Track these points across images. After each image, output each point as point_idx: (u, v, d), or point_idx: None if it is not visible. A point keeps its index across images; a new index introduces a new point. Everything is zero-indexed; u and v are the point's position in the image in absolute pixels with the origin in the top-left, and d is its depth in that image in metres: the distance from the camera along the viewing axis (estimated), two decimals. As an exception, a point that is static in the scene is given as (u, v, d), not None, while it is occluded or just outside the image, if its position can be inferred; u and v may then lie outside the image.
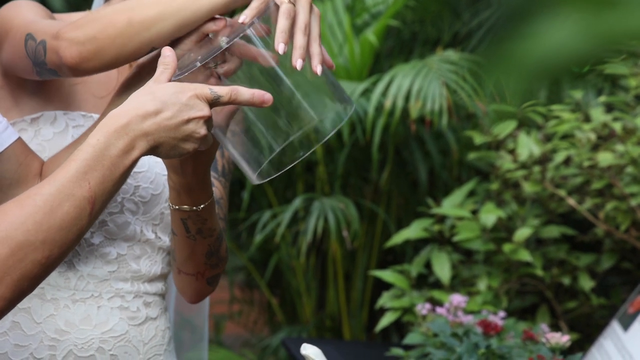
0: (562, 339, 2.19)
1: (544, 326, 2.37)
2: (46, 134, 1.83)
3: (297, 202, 3.49)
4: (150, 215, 1.88)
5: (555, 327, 2.98)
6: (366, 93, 3.33)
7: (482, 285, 2.88)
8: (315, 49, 1.60)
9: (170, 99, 1.46)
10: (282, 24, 1.59)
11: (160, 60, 1.55)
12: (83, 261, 1.86)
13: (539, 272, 2.85)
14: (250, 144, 1.59)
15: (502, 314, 2.42)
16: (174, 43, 1.70)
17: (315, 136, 1.76)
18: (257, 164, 1.59)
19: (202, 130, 1.47)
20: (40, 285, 1.80)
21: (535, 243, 3.07)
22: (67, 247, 1.40)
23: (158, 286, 1.92)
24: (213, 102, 1.49)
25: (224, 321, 4.69)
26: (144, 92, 1.47)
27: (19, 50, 1.79)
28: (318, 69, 1.58)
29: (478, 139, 3.02)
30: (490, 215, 2.89)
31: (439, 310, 2.44)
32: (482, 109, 3.22)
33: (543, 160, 2.96)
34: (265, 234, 3.55)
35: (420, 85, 3.18)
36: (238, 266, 4.32)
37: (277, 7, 1.61)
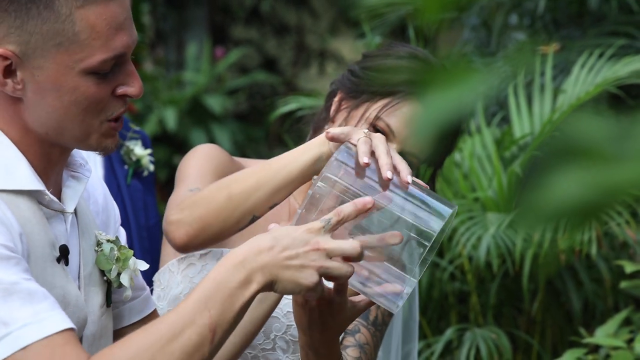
0: None
1: None
2: (212, 269, 1.93)
3: (449, 333, 3.52)
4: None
5: None
6: (513, 223, 3.37)
7: (639, 415, 2.84)
8: (401, 164, 1.66)
9: (283, 234, 1.54)
10: (362, 149, 1.66)
11: None
12: None
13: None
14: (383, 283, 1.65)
15: None
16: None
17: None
18: (395, 297, 1.65)
19: (319, 262, 1.52)
20: None
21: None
22: None
23: None
24: (326, 229, 1.55)
25: None
26: (262, 235, 1.57)
27: None
28: (408, 179, 1.64)
29: (629, 267, 3.02)
30: (644, 345, 2.86)
31: None
32: (633, 237, 3.22)
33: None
34: (420, 364, 3.59)
35: (568, 216, 3.20)
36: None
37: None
